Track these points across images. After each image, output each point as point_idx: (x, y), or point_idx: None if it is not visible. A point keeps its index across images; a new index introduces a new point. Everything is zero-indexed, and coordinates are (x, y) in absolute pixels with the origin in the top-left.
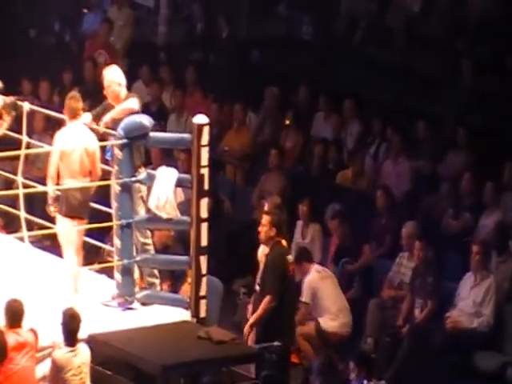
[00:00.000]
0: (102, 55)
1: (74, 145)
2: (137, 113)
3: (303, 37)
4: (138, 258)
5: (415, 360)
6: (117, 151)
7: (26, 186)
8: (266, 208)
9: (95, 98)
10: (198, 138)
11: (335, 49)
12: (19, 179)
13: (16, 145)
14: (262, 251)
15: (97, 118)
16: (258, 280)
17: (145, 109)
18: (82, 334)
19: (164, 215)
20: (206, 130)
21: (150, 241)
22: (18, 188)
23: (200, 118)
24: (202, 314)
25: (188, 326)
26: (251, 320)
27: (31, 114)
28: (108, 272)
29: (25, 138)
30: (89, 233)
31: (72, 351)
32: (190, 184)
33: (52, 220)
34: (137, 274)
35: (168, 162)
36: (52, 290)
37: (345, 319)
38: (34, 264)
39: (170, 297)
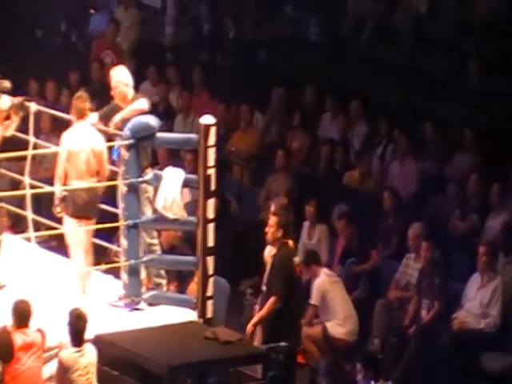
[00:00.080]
0: (109, 56)
1: (81, 145)
2: (146, 113)
3: (310, 37)
4: (144, 259)
5: (422, 361)
6: (123, 151)
7: (32, 187)
8: (272, 209)
9: (102, 98)
10: (205, 138)
11: (342, 49)
12: (26, 180)
13: (23, 145)
14: (269, 252)
15: (104, 119)
16: (264, 281)
17: (152, 109)
18: (89, 334)
19: (171, 216)
20: (212, 130)
21: (156, 241)
22: (25, 188)
23: (207, 119)
24: (209, 315)
25: (195, 327)
26: (255, 319)
27: (38, 114)
28: (115, 272)
29: (32, 139)
30: (96, 233)
31: (78, 351)
32: (197, 184)
33: (59, 220)
34: (144, 275)
35: (175, 163)
36: (59, 290)
37: (352, 326)
38: (41, 264)
39: (177, 297)
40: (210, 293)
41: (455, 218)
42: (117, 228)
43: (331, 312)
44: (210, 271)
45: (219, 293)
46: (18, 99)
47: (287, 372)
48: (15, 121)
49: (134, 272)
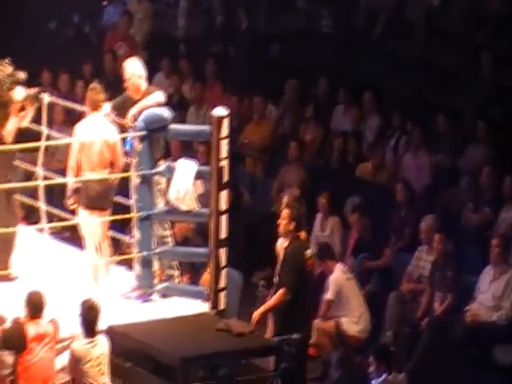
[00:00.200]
0: (122, 47)
1: (94, 136)
2: (161, 106)
3: (323, 30)
4: (157, 250)
5: (434, 353)
6: (137, 143)
7: (45, 178)
8: (285, 201)
9: (115, 89)
10: (218, 130)
11: (355, 42)
12: (39, 171)
13: (36, 136)
14: (281, 244)
15: (116, 109)
16: (276, 273)
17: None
18: (102, 325)
19: (183, 207)
20: (225, 122)
21: (168, 233)
22: (37, 180)
23: (219, 111)
24: (222, 306)
25: (207, 318)
26: (262, 308)
27: (51, 105)
28: (127, 264)
29: (45, 130)
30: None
31: (91, 342)
32: (210, 176)
33: (71, 211)
34: (156, 266)
35: (187, 154)
36: (72, 281)
37: (365, 324)
38: (54, 256)
39: (190, 289)
40: (222, 284)
41: (468, 210)
42: (129, 220)
43: (346, 308)
44: (223, 263)
45: (232, 284)
46: (32, 90)
47: (299, 364)
48: (30, 112)
49: (146, 264)
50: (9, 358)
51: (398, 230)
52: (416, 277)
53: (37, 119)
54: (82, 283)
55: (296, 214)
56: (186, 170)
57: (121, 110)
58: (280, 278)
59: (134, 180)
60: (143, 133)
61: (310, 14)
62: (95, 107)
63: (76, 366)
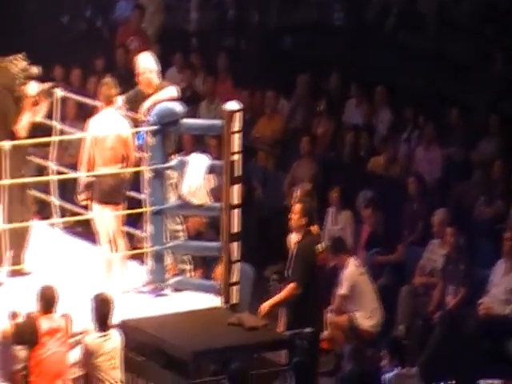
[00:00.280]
0: (134, 42)
1: (107, 131)
2: (174, 100)
3: (334, 23)
4: (169, 245)
5: (447, 347)
6: (149, 137)
7: (58, 173)
8: (296, 196)
9: (127, 84)
10: (230, 124)
11: (367, 35)
12: (51, 165)
13: (48, 131)
14: (293, 239)
15: (128, 103)
16: (287, 267)
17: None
18: (115, 319)
19: (196, 201)
20: (237, 116)
21: (180, 227)
22: (50, 174)
23: (231, 105)
24: (234, 301)
25: (219, 312)
26: (271, 301)
27: (63, 100)
28: (140, 258)
29: (57, 125)
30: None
31: (103, 336)
32: (222, 170)
33: (84, 206)
34: (169, 261)
35: (199, 149)
36: (84, 276)
37: (378, 318)
38: (67, 250)
39: (202, 283)
40: (234, 279)
41: (480, 203)
42: (141, 214)
43: (360, 303)
44: (235, 257)
45: (244, 278)
46: (46, 85)
47: (311, 358)
48: (44, 106)
49: (158, 258)
50: (21, 352)
51: (410, 223)
52: (428, 270)
53: (49, 114)
54: (94, 278)
55: (307, 208)
56: (198, 164)
57: (133, 104)
58: (291, 272)
59: (146, 174)
60: (155, 127)
61: (321, 7)
62: (108, 102)
63: (88, 359)
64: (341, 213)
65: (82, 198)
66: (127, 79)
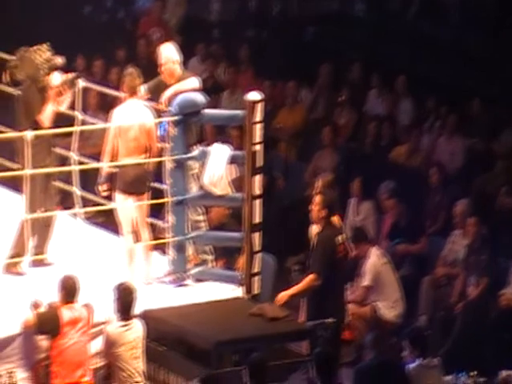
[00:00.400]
0: (156, 33)
1: (131, 122)
2: (196, 91)
3: (356, 13)
4: (191, 235)
5: (469, 337)
6: (171, 128)
7: (79, 163)
8: (317, 187)
9: (149, 75)
10: (251, 114)
11: (388, 25)
12: (73, 156)
13: (70, 121)
14: (314, 230)
15: (149, 93)
16: (308, 257)
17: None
18: (137, 309)
19: (217, 192)
20: (258, 106)
21: (202, 218)
22: (71, 165)
23: (253, 95)
24: (255, 291)
25: (241, 303)
26: (290, 291)
27: (85, 91)
28: (161, 249)
29: (79, 115)
30: None
31: (125, 325)
32: (243, 161)
33: (105, 196)
34: (190, 251)
35: (221, 139)
36: (106, 266)
37: (400, 309)
38: (89, 240)
39: (223, 273)
40: (256, 269)
41: (502, 194)
42: (163, 204)
43: (383, 293)
44: (257, 247)
45: (265, 269)
46: (70, 75)
47: (333, 348)
48: (68, 97)
49: (180, 248)
50: (43, 342)
51: (432, 214)
52: (450, 261)
53: (72, 104)
54: (116, 268)
55: (328, 200)
56: (219, 154)
57: (154, 94)
58: (311, 263)
59: (168, 165)
60: (177, 117)
61: None
62: (132, 92)
63: (110, 349)
64: (362, 203)
65: (103, 188)
66: (149, 70)
